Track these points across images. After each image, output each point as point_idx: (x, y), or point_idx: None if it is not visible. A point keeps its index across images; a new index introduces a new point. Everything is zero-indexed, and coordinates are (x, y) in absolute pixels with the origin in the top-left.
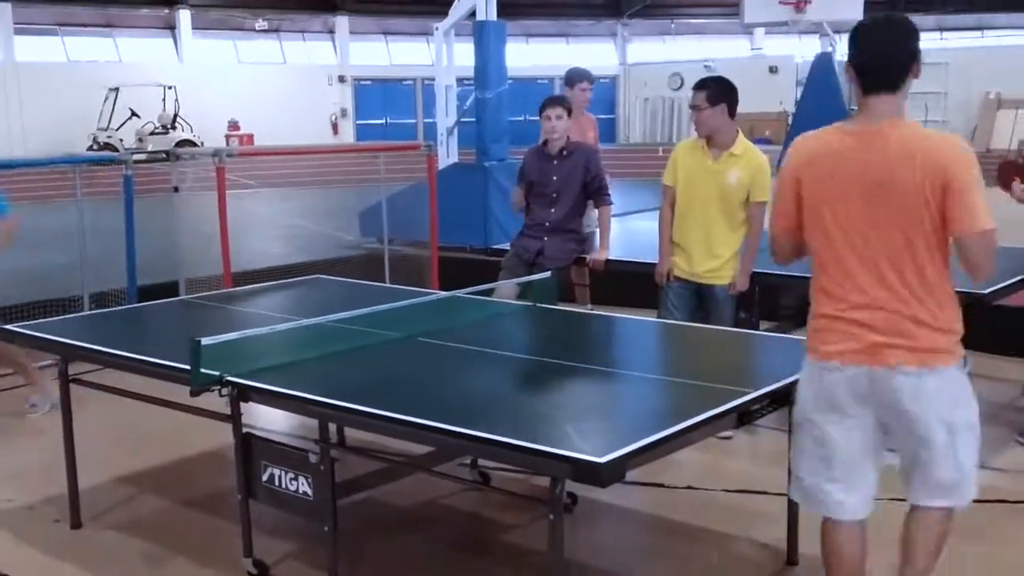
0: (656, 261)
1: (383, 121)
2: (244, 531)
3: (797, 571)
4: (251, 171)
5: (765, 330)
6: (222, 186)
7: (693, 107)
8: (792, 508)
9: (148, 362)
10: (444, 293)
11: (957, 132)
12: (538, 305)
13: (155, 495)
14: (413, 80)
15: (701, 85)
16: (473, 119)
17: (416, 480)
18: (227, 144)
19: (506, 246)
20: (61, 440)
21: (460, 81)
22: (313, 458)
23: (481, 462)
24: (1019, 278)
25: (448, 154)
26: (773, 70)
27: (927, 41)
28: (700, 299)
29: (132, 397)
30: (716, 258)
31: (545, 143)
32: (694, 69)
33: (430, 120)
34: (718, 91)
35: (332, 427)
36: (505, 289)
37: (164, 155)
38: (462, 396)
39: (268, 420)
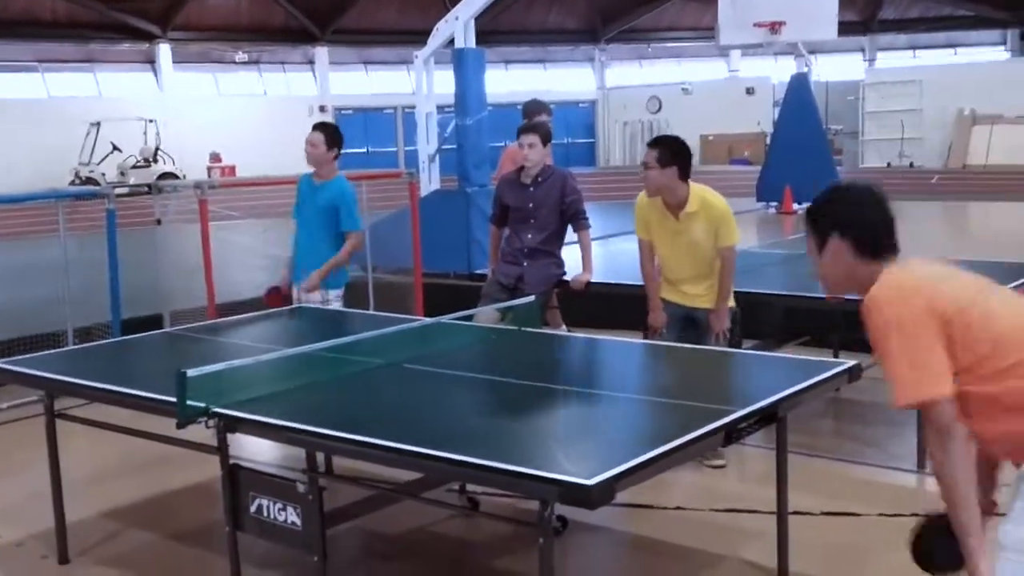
0: (640, 283)
1: (364, 150)
2: (232, 563)
3: None
4: (233, 202)
5: (748, 348)
6: (205, 218)
7: (643, 164)
8: (782, 527)
9: (134, 395)
10: (429, 319)
11: (934, 148)
12: (522, 329)
13: (143, 528)
14: (393, 109)
15: (654, 143)
16: (454, 146)
17: (405, 507)
18: (209, 176)
19: (488, 271)
20: (48, 475)
21: (440, 109)
22: (301, 488)
23: (469, 487)
24: None
25: (430, 181)
26: (750, 91)
27: (901, 60)
28: (689, 322)
29: (118, 431)
30: (702, 286)
31: (520, 170)
32: (672, 92)
33: (411, 148)
34: (670, 154)
35: (320, 456)
36: (487, 315)
37: (146, 188)
38: (449, 421)
39: (255, 451)
